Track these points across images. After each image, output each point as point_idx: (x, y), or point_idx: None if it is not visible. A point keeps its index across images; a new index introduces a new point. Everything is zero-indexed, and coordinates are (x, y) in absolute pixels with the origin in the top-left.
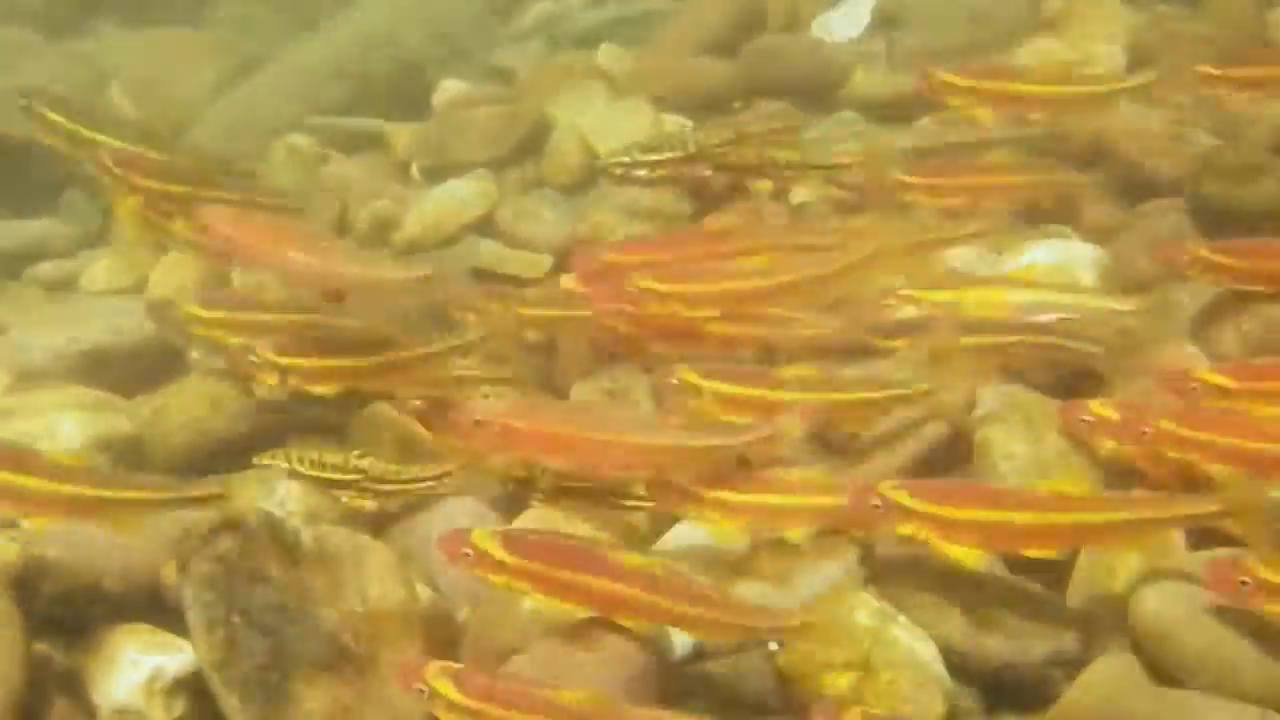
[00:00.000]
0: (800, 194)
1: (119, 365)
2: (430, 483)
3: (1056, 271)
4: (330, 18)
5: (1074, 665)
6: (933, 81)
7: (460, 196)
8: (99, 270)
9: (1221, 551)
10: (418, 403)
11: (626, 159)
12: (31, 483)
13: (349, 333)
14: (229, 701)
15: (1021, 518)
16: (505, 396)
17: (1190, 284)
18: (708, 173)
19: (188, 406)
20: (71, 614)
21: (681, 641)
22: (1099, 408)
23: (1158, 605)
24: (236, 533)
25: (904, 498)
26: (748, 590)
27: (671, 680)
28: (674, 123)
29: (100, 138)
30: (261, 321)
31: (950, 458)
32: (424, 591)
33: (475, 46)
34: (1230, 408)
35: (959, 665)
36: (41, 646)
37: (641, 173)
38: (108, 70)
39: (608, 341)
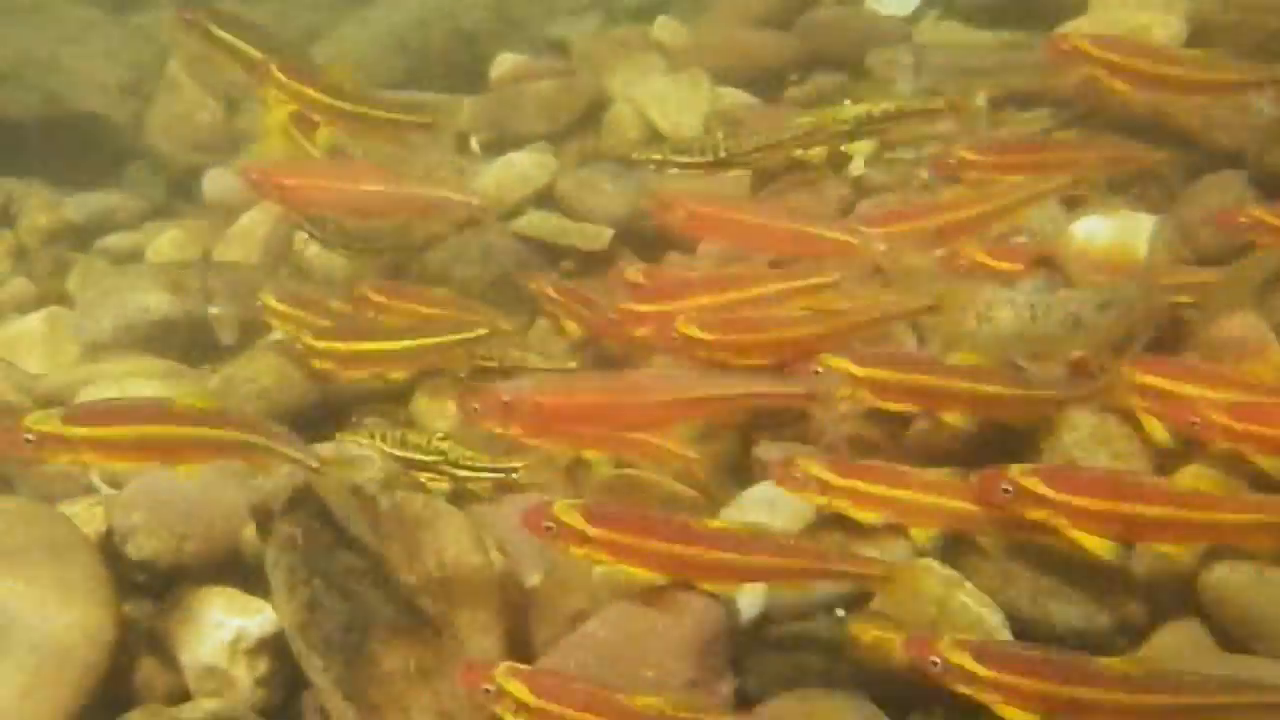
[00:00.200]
0: (858, 165)
1: (183, 336)
2: (506, 474)
3: (1117, 243)
4: None
5: (1140, 633)
6: (1064, 47)
7: (520, 169)
8: (164, 242)
9: None
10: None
11: (658, 156)
12: (180, 431)
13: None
14: (311, 661)
15: (1158, 511)
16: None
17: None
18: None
19: (256, 377)
20: (155, 577)
21: (749, 603)
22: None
23: (1224, 571)
24: (317, 498)
25: (1037, 484)
26: None
27: (739, 646)
28: (731, 96)
29: (261, 53)
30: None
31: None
32: (496, 557)
33: (531, 19)
34: None
35: (1025, 633)
36: (128, 608)
37: (673, 171)
38: (169, 45)
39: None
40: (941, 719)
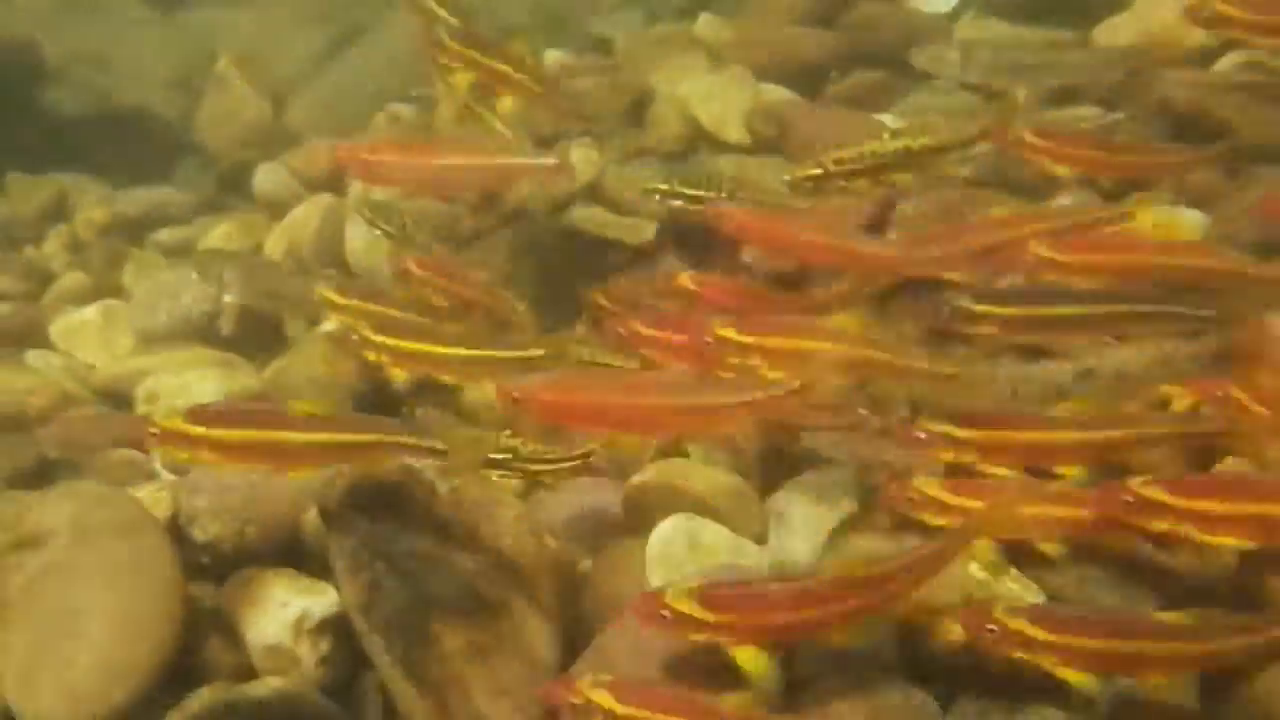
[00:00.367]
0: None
1: (236, 327)
2: (574, 463)
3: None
4: None
5: None
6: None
7: None
8: (216, 236)
9: None
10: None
11: (664, 187)
12: (291, 436)
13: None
14: (373, 641)
15: None
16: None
17: None
18: None
19: (308, 367)
20: (219, 559)
21: None
22: None
23: None
24: (378, 483)
25: (1159, 494)
26: (860, 544)
27: None
28: (773, 93)
29: (441, 12)
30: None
31: None
32: (551, 541)
33: (574, 17)
34: None
35: None
36: (193, 589)
37: (677, 203)
38: (216, 42)
39: None
40: (985, 699)
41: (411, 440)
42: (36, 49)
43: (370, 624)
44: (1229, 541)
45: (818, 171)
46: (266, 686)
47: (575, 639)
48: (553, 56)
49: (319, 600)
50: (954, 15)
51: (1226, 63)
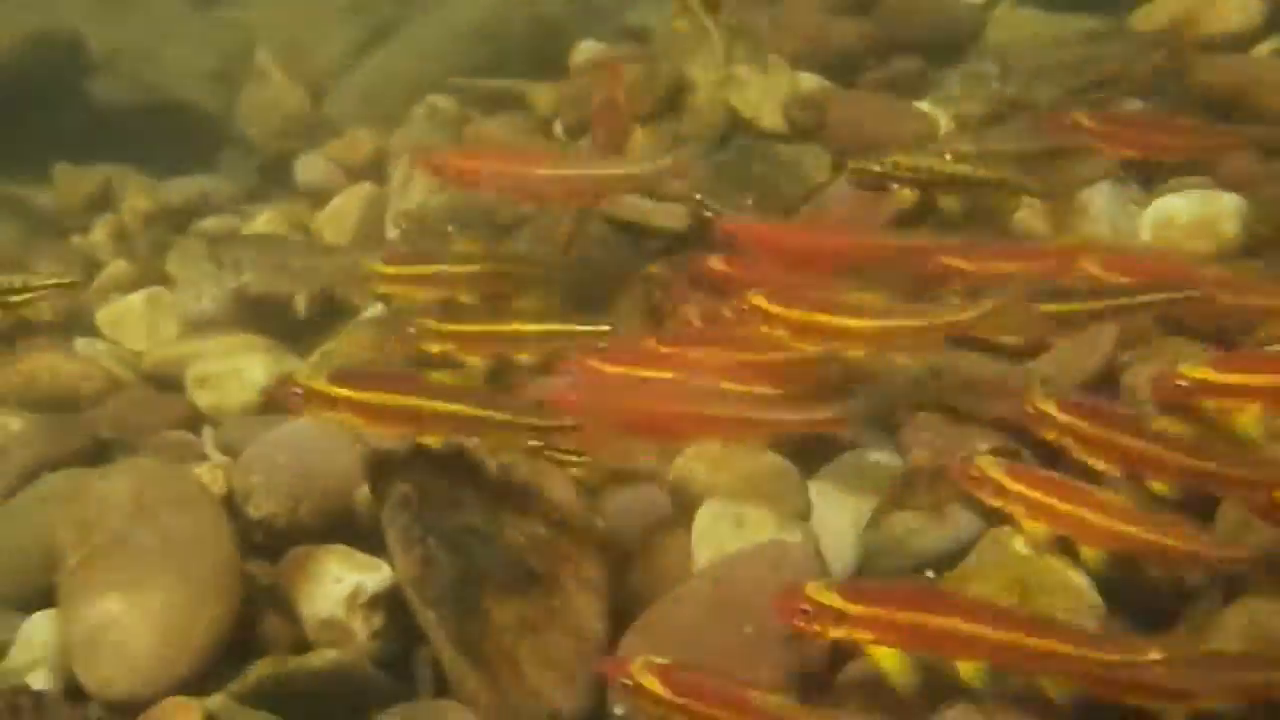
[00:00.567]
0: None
1: (278, 312)
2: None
3: (1199, 222)
4: None
5: (1227, 595)
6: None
7: None
8: (259, 225)
9: None
10: None
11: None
12: (429, 404)
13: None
14: (426, 615)
15: None
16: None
17: None
18: None
19: (354, 351)
20: (273, 535)
21: (841, 566)
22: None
23: None
24: (429, 460)
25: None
26: (901, 521)
27: None
28: (810, 81)
29: None
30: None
31: None
32: (599, 518)
33: (610, 7)
34: None
35: (1114, 592)
36: (249, 566)
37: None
38: (254, 35)
39: None
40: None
41: (541, 422)
42: (82, 43)
43: (423, 598)
44: None
45: (877, 169)
46: (324, 658)
47: (625, 613)
48: (589, 47)
49: (372, 575)
50: (989, 3)
51: (1266, 47)
